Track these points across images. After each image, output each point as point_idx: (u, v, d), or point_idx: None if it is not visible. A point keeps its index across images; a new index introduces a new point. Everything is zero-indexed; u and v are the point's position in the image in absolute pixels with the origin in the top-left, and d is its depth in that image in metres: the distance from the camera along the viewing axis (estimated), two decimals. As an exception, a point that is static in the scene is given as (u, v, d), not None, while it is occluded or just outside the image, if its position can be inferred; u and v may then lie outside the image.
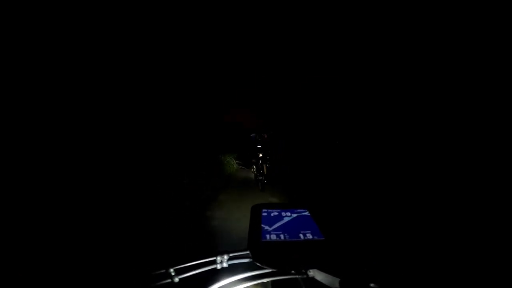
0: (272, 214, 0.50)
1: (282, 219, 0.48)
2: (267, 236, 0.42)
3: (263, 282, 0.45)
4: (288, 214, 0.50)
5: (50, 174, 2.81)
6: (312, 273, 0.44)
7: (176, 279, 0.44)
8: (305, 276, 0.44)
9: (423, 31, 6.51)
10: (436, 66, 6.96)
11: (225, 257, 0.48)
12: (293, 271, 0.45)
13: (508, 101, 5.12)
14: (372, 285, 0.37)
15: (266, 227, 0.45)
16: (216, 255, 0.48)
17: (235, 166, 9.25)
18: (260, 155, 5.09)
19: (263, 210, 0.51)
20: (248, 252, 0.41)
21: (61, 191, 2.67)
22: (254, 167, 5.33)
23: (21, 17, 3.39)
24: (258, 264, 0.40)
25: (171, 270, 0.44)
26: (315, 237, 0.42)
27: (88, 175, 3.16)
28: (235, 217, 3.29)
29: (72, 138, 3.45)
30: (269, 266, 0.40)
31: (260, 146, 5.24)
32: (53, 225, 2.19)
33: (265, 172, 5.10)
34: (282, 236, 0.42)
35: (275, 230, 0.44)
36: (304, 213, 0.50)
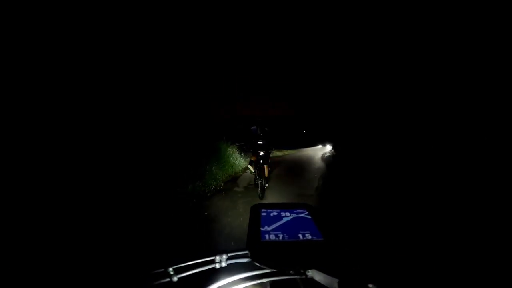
0: (271, 214, 0.50)
1: (281, 219, 0.48)
2: (266, 236, 0.42)
3: (261, 283, 0.45)
4: (287, 214, 0.50)
5: (51, 171, 2.78)
6: (311, 273, 0.44)
7: (175, 279, 0.44)
8: (303, 276, 0.44)
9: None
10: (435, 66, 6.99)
11: (224, 256, 0.48)
12: (291, 272, 0.45)
13: (508, 101, 5.15)
14: (370, 285, 0.37)
15: (265, 227, 0.45)
16: (215, 255, 0.48)
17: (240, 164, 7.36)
18: (262, 153, 4.30)
19: (262, 210, 0.51)
20: (247, 252, 0.41)
21: (61, 189, 2.64)
22: (251, 166, 4.55)
23: (22, 17, 3.36)
24: (257, 264, 0.40)
25: (170, 269, 0.44)
26: (314, 238, 0.42)
27: (88, 173, 3.14)
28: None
29: (71, 137, 3.42)
30: (268, 266, 0.40)
31: (261, 142, 4.35)
32: (52, 223, 2.18)
33: (266, 175, 4.36)
34: (281, 236, 0.42)
35: (274, 230, 0.44)
36: (303, 214, 0.50)
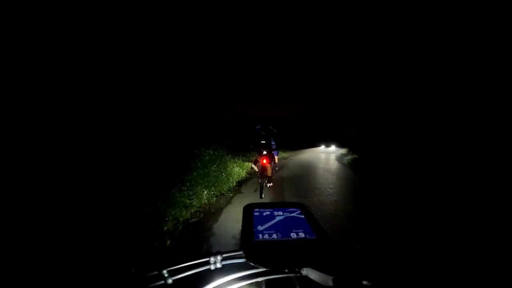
0: (264, 214, 0.50)
1: (274, 219, 0.48)
2: (260, 235, 0.42)
3: (257, 282, 0.45)
4: (280, 213, 0.50)
5: (46, 173, 2.78)
6: (306, 271, 0.44)
7: (170, 281, 0.44)
8: (298, 274, 0.44)
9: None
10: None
11: (219, 257, 0.48)
12: (286, 270, 0.44)
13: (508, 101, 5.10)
14: (364, 282, 0.36)
15: (258, 227, 0.45)
16: (209, 256, 0.48)
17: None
18: (264, 152, 4.42)
19: (255, 209, 0.51)
20: (241, 252, 0.41)
21: (57, 191, 2.62)
22: (255, 166, 4.81)
23: (23, 17, 3.40)
24: (251, 263, 0.40)
25: (164, 271, 0.45)
26: (307, 236, 0.42)
27: (83, 175, 3.12)
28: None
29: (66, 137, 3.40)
30: (263, 266, 0.40)
31: (264, 142, 4.48)
32: (46, 226, 2.15)
33: (269, 174, 4.54)
34: (274, 236, 0.42)
35: (267, 229, 0.44)
36: (296, 212, 0.50)
